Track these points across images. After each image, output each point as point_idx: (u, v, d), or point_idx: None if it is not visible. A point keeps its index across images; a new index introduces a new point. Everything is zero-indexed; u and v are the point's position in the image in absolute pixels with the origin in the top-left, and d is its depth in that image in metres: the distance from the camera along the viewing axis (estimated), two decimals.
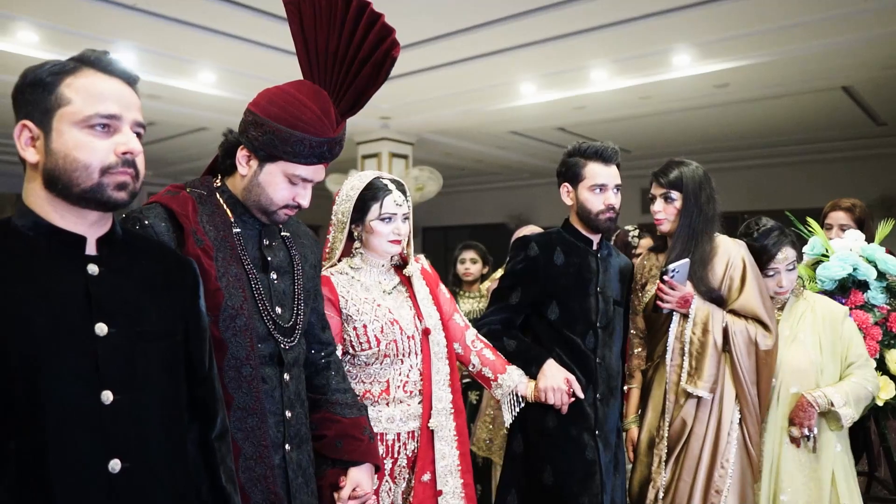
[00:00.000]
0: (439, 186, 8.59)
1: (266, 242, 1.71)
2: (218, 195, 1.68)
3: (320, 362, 1.89)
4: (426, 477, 2.06)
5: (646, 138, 8.78)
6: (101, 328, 1.21)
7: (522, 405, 2.31)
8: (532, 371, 2.31)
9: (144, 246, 1.40)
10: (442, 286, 2.33)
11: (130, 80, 1.28)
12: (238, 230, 1.66)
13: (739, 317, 2.43)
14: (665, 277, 2.38)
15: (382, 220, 2.08)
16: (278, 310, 1.68)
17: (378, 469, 1.90)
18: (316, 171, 1.63)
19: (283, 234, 1.78)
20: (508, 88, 6.79)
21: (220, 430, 1.42)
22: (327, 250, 2.17)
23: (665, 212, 2.49)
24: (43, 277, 1.20)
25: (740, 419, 2.41)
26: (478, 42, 5.63)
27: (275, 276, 1.70)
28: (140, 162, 1.25)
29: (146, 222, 1.54)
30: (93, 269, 1.24)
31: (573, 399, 2.29)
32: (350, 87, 1.62)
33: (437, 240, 13.54)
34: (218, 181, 1.71)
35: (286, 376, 1.67)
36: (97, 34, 5.36)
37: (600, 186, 2.38)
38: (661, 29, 5.20)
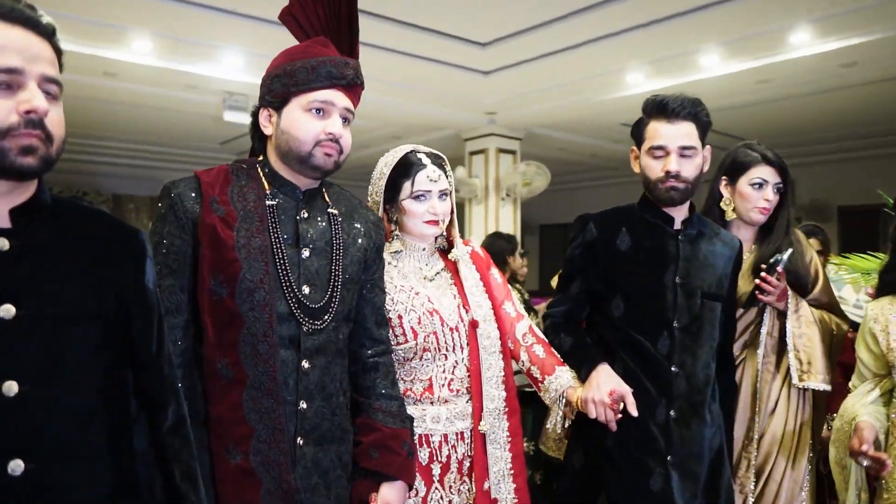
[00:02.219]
0: (547, 182, 8.42)
1: (304, 215, 1.65)
2: (258, 168, 1.67)
3: (368, 361, 1.77)
4: (487, 485, 1.89)
5: (768, 126, 8.21)
6: (7, 310, 1.06)
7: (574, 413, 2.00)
8: (582, 375, 1.98)
9: (77, 217, 1.23)
10: (494, 270, 2.11)
11: (41, 29, 1.10)
12: (272, 202, 1.61)
13: (816, 307, 2.31)
14: (779, 269, 2.20)
15: (415, 198, 1.89)
16: (306, 289, 1.60)
17: (411, 488, 1.76)
18: (333, 95, 1.60)
19: (330, 210, 1.70)
20: (614, 77, 6.53)
21: (174, 423, 1.27)
22: None
23: (773, 201, 2.30)
24: None
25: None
26: (580, 28, 5.42)
27: (307, 253, 1.62)
28: (52, 123, 1.09)
29: (173, 193, 1.55)
30: (1, 243, 1.09)
31: (620, 416, 1.90)
32: (344, 33, 1.67)
33: (557, 238, 13.27)
34: (260, 158, 1.71)
35: (305, 364, 1.58)
36: (206, 40, 5.61)
37: (659, 148, 1.97)
38: (775, 5, 4.80)
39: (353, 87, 1.64)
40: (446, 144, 9.13)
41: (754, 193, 2.30)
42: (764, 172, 2.29)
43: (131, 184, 10.76)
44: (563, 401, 1.98)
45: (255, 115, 1.69)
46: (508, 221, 8.68)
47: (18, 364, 1.06)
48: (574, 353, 2.04)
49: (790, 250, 2.24)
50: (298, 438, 1.57)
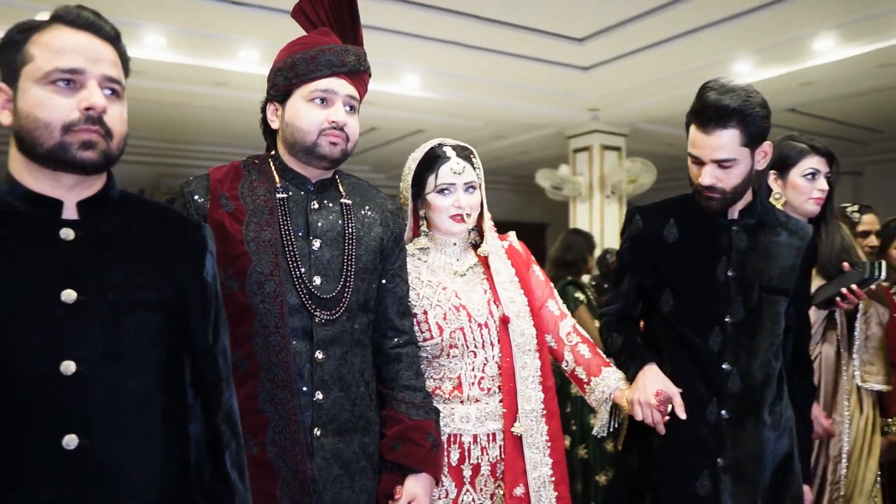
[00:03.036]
0: (653, 178, 8.19)
1: (315, 207, 1.65)
2: (270, 162, 1.69)
3: (390, 352, 1.75)
4: (519, 490, 1.81)
5: (892, 114, 7.65)
6: (69, 295, 1.13)
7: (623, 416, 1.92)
8: (630, 375, 1.90)
9: (143, 211, 1.30)
10: (536, 268, 2.03)
11: (103, 34, 1.18)
12: (283, 195, 1.63)
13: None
14: (872, 287, 2.18)
15: (440, 192, 1.85)
16: (317, 280, 1.60)
17: (438, 482, 1.74)
18: (335, 83, 1.61)
19: (343, 200, 1.69)
20: (721, 68, 6.25)
21: (227, 411, 1.32)
22: None
23: (825, 190, 2.24)
24: (11, 243, 1.14)
25: None
26: (682, 18, 5.25)
27: (318, 244, 1.62)
28: (112, 120, 1.16)
29: (185, 191, 1.61)
30: (67, 233, 1.17)
31: (668, 418, 1.80)
32: (346, 21, 1.69)
33: None
34: (272, 152, 1.73)
35: (318, 354, 1.58)
36: None
37: (695, 157, 1.84)
38: None
39: (356, 74, 1.64)
40: (550, 142, 9.06)
41: (808, 184, 2.23)
42: (815, 162, 2.24)
43: None
44: (610, 403, 1.91)
45: (263, 111, 1.72)
46: (613, 219, 8.50)
47: (77, 345, 1.13)
48: (623, 353, 1.96)
49: (882, 262, 2.17)
50: (315, 429, 1.57)
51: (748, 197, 1.93)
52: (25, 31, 1.16)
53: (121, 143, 1.19)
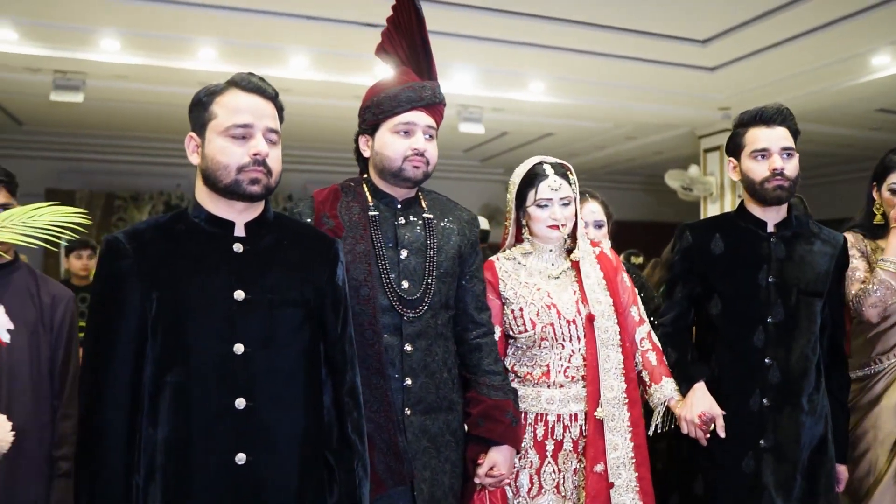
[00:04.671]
0: None
1: (402, 221, 1.92)
2: (363, 184, 1.98)
3: (472, 342, 2.01)
4: (599, 467, 2.04)
5: None
6: (239, 294, 1.46)
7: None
8: (682, 391, 2.16)
9: (291, 229, 1.64)
10: (624, 275, 2.24)
11: (266, 94, 1.52)
12: (375, 213, 1.91)
13: None
14: None
15: (539, 206, 2.10)
16: (405, 284, 1.87)
17: (518, 453, 2.00)
18: (415, 116, 1.87)
19: (425, 215, 1.97)
20: (858, 61, 6.04)
21: (349, 387, 1.61)
22: (505, 236, 2.27)
23: None
24: (199, 254, 1.48)
25: None
26: (812, 13, 5.15)
27: (405, 254, 1.89)
28: (272, 161, 1.49)
29: (296, 211, 1.91)
30: (238, 247, 1.50)
31: (710, 436, 2.09)
32: (421, 60, 1.98)
33: None
34: (364, 175, 2.01)
35: (407, 347, 1.85)
36: (441, 59, 6.16)
37: (762, 152, 2.13)
38: None
39: (433, 105, 1.91)
40: (680, 143, 8.98)
41: (894, 198, 2.35)
42: None
43: None
44: (665, 408, 2.16)
45: (356, 142, 2.00)
46: None
47: (245, 333, 1.47)
48: (675, 369, 2.20)
49: None
50: (406, 409, 1.85)
51: (783, 212, 2.22)
52: (210, 94, 1.51)
53: (277, 178, 1.53)
